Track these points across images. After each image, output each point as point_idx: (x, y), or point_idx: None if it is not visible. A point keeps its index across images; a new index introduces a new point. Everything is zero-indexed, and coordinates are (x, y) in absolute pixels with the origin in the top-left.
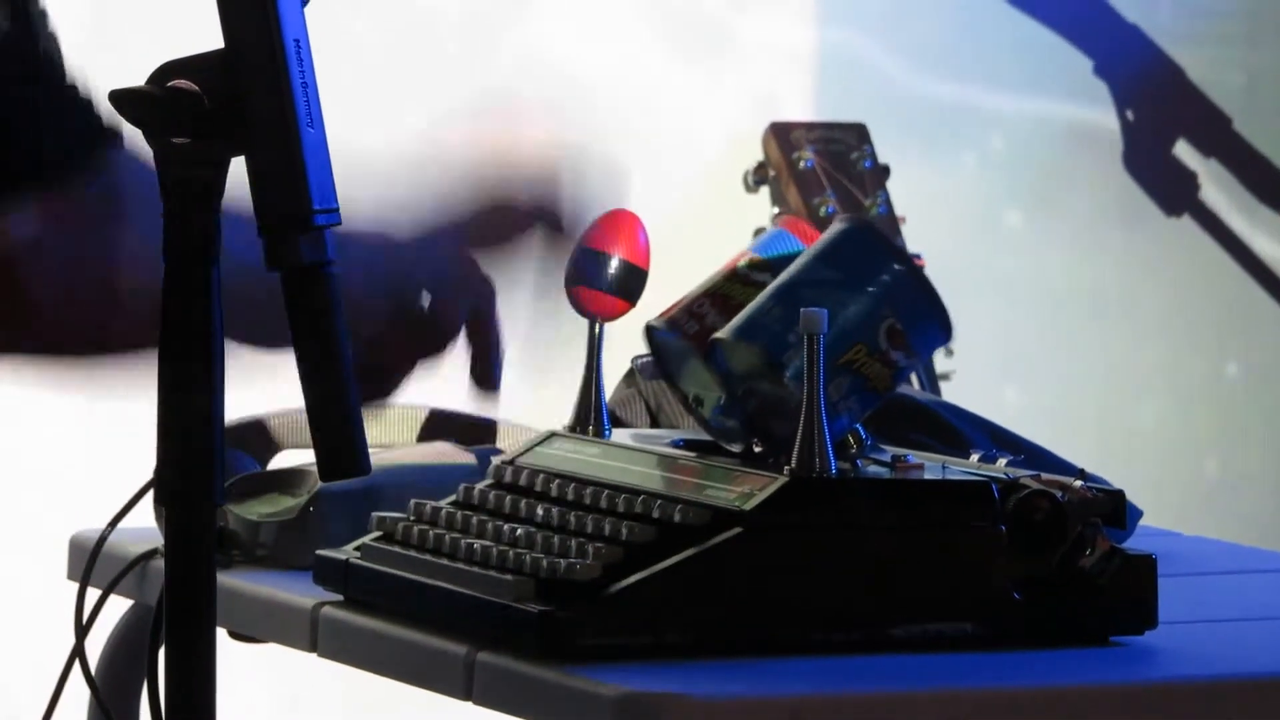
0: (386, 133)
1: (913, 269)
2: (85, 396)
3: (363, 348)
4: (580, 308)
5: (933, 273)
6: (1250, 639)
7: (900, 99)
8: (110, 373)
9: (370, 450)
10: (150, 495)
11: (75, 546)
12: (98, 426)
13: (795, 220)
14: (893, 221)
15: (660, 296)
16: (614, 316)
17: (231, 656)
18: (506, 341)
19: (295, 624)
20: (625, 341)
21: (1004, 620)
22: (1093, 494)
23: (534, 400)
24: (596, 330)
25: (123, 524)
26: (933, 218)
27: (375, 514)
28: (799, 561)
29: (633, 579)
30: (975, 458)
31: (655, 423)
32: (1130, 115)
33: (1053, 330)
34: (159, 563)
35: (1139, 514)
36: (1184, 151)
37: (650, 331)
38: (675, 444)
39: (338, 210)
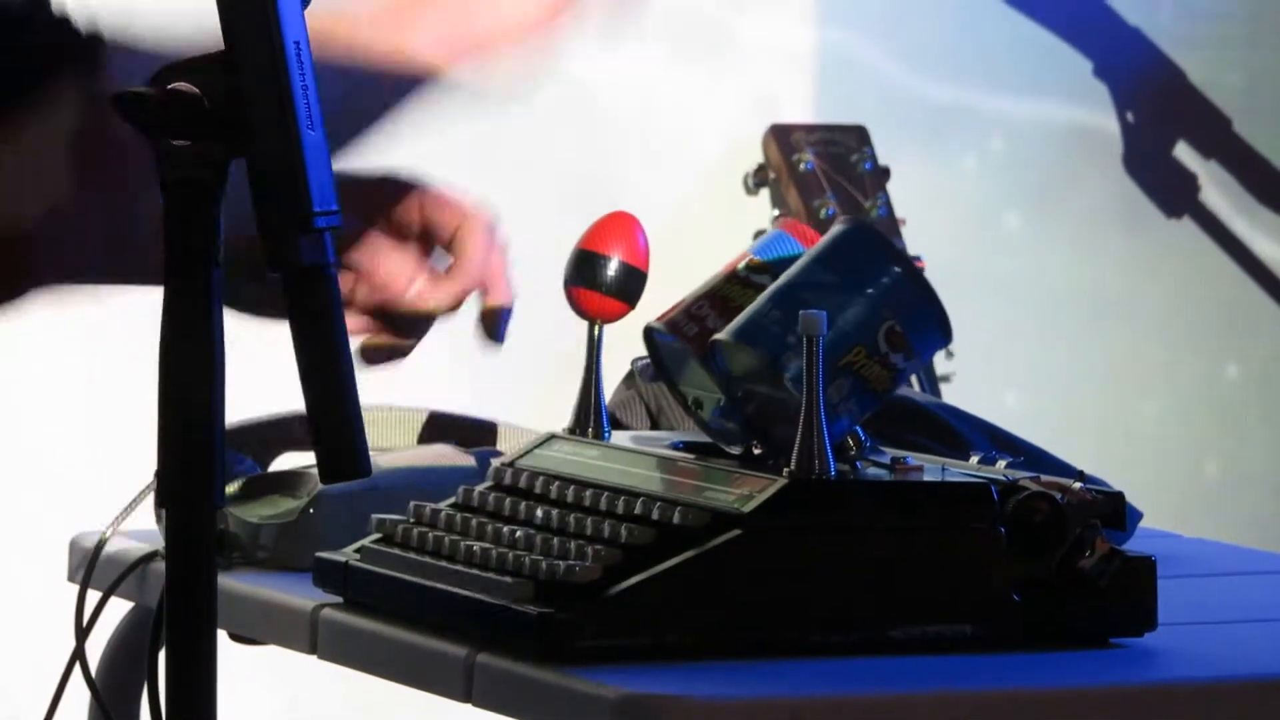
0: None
1: (912, 271)
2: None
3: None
4: (579, 310)
5: (933, 274)
6: (1250, 640)
7: (900, 101)
8: (120, 301)
9: (370, 452)
10: (151, 497)
11: (75, 549)
12: (98, 427)
13: (795, 223)
14: (893, 223)
15: (659, 298)
16: (613, 318)
17: (232, 658)
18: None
19: (295, 626)
20: (625, 343)
21: (1003, 622)
22: (1092, 496)
23: (533, 402)
24: (596, 332)
25: (123, 526)
26: (933, 219)
27: (375, 516)
28: (798, 563)
29: (632, 581)
30: (975, 460)
31: (655, 425)
32: (1130, 117)
33: (1053, 332)
34: (159, 565)
35: (1139, 516)
36: (1184, 153)
37: (650, 333)
38: (675, 446)
39: (338, 212)
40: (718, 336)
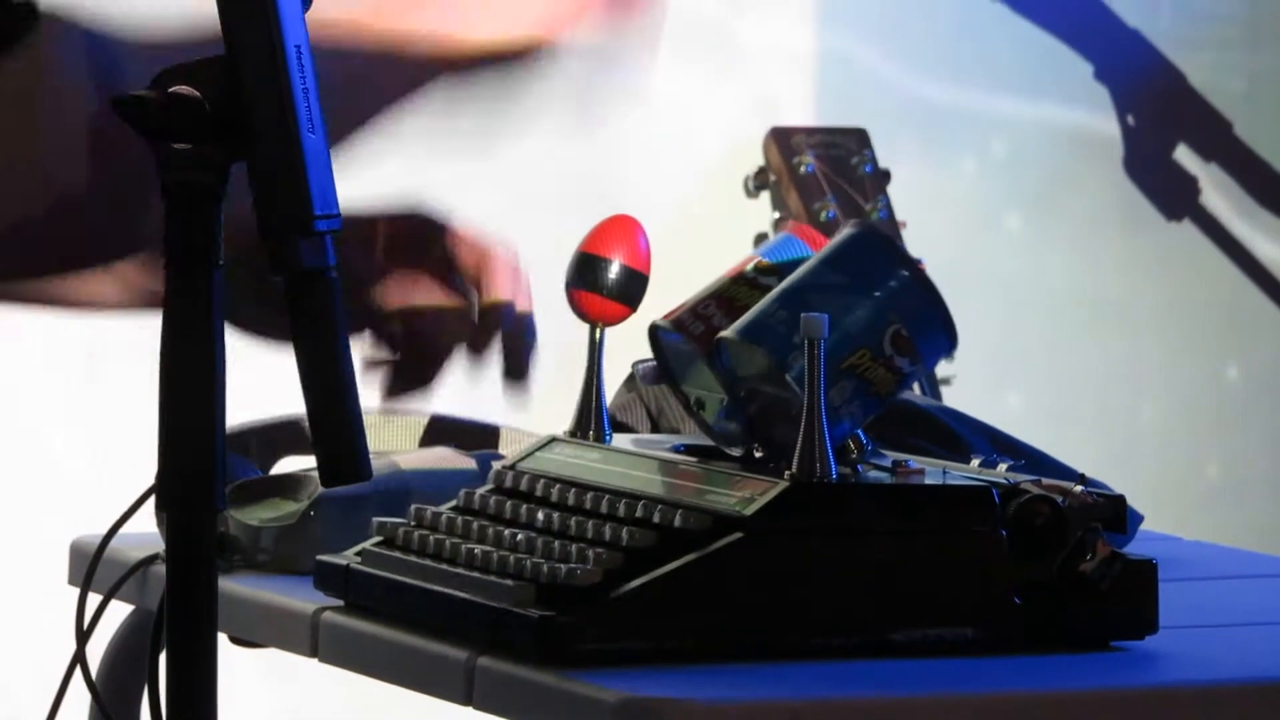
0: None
1: (920, 276)
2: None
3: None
4: (581, 312)
5: (933, 277)
6: (1251, 644)
7: (900, 103)
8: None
9: (371, 455)
10: (151, 500)
11: (76, 552)
12: (98, 431)
13: (803, 226)
14: (893, 226)
15: (661, 301)
16: (615, 321)
17: (232, 661)
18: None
19: (296, 629)
20: (626, 346)
21: (1004, 625)
22: (1093, 499)
23: (535, 405)
24: (597, 335)
25: (123, 529)
26: (933, 222)
27: (376, 519)
28: (800, 566)
29: (633, 584)
30: (976, 463)
31: (656, 427)
32: (1131, 120)
33: (1053, 335)
34: (160, 568)
35: (1140, 519)
36: (1185, 156)
37: (655, 332)
38: (676, 449)
39: (339, 215)
40: (723, 334)
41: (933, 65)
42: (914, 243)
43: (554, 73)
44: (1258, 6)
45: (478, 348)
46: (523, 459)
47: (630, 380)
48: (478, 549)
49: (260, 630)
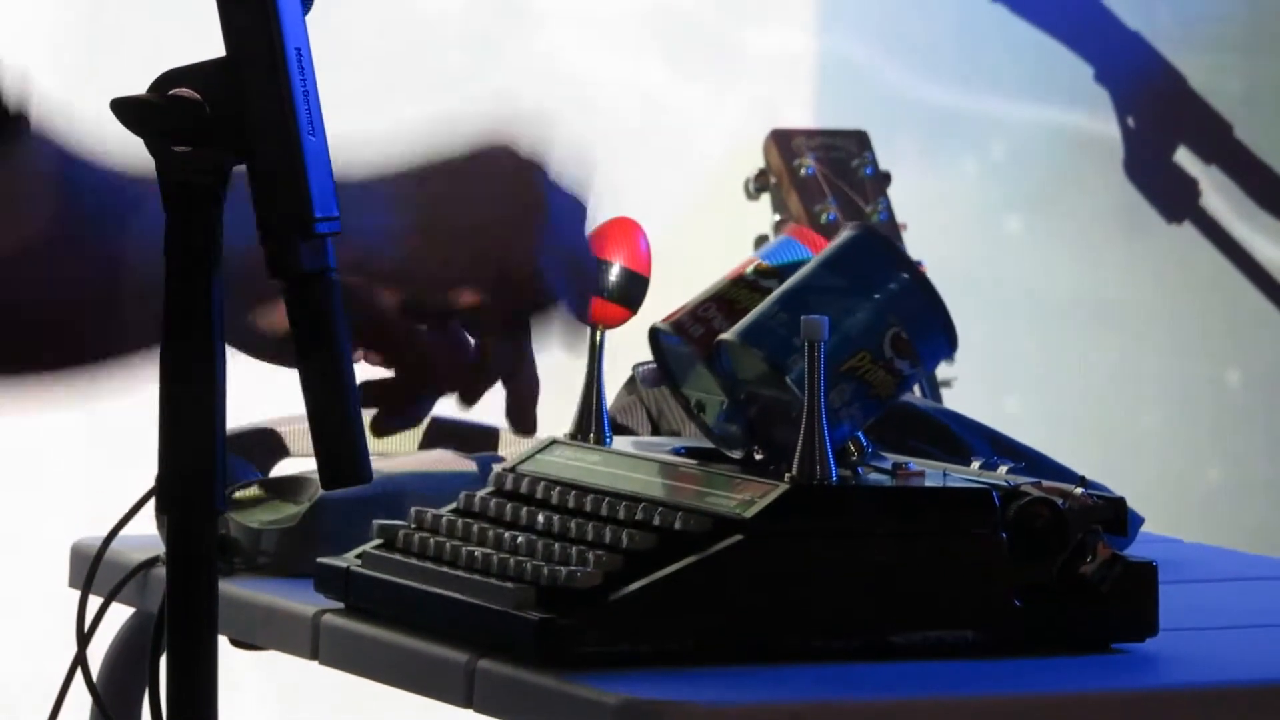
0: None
1: (920, 278)
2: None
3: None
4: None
5: (933, 279)
6: (1251, 646)
7: (901, 106)
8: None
9: (371, 458)
10: (152, 503)
11: (76, 554)
12: (98, 434)
13: (803, 229)
14: (894, 229)
15: (661, 303)
16: (615, 324)
17: (233, 664)
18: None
19: (296, 631)
20: (627, 349)
21: (1005, 627)
22: (1094, 501)
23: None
24: (597, 337)
25: (124, 532)
26: (933, 224)
27: (376, 521)
28: (800, 569)
29: (634, 586)
30: (976, 465)
31: (656, 430)
32: (1131, 122)
33: (1054, 337)
34: (160, 570)
35: (1140, 521)
36: (1185, 158)
37: (655, 334)
38: (676, 451)
39: (339, 218)
40: (723, 336)
41: (933, 67)
42: (914, 245)
43: None
44: (1258, 9)
45: (472, 397)
46: (523, 461)
47: (631, 382)
48: (478, 551)
49: (261, 633)
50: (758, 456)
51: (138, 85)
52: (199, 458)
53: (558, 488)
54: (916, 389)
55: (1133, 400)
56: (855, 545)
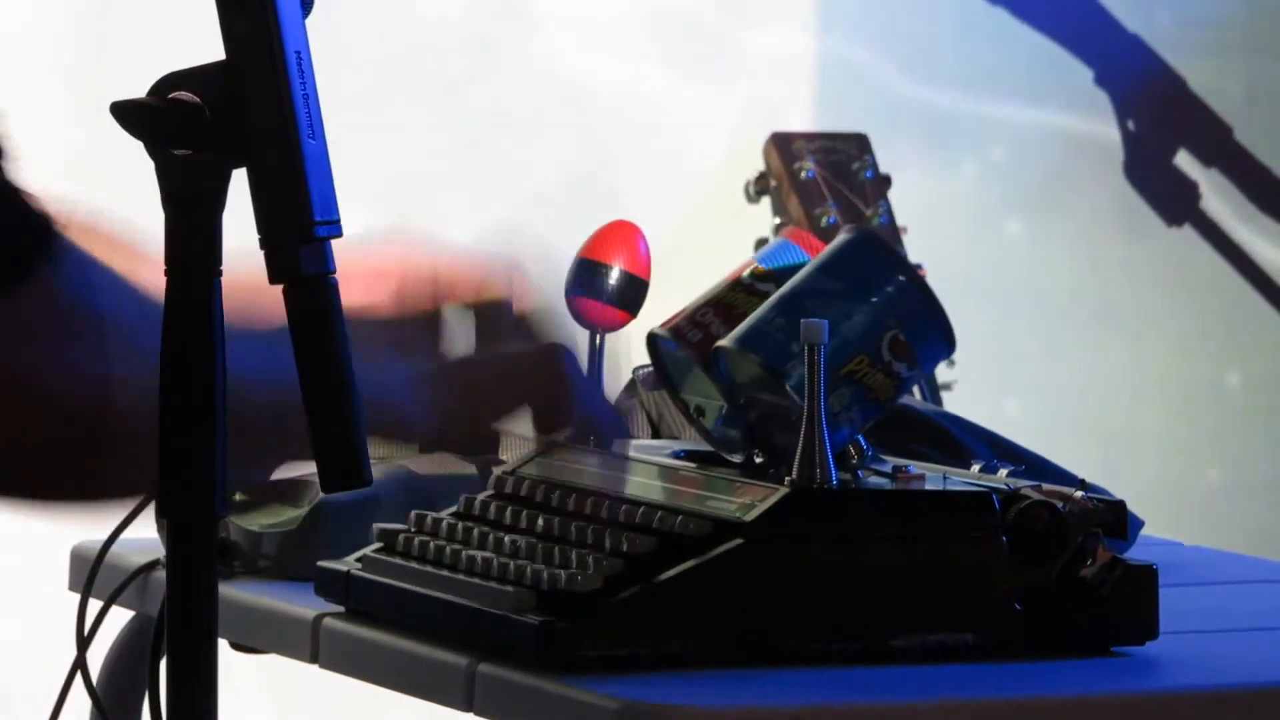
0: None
1: (918, 280)
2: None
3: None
4: (581, 319)
5: (933, 282)
6: (1252, 649)
7: (901, 108)
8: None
9: (371, 461)
10: (152, 506)
11: (77, 558)
12: None
13: (800, 231)
14: (894, 231)
15: (661, 307)
16: (615, 327)
17: (233, 667)
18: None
19: (296, 635)
20: (627, 352)
21: (1005, 631)
22: (1094, 504)
23: None
24: (597, 341)
25: (124, 535)
26: (934, 227)
27: (376, 525)
28: (800, 572)
29: (633, 590)
30: (976, 468)
31: (656, 434)
32: (1131, 125)
33: (1054, 340)
34: (160, 574)
35: (1140, 524)
36: (1185, 161)
37: (653, 340)
38: (676, 455)
39: (339, 222)
40: (721, 343)
41: (933, 70)
42: (915, 247)
43: None
44: (1257, 11)
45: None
46: (523, 464)
47: (630, 386)
48: (478, 555)
49: (261, 636)
50: (757, 460)
51: (138, 89)
52: (199, 462)
53: (557, 491)
54: (916, 392)
55: (1133, 402)
56: (855, 549)
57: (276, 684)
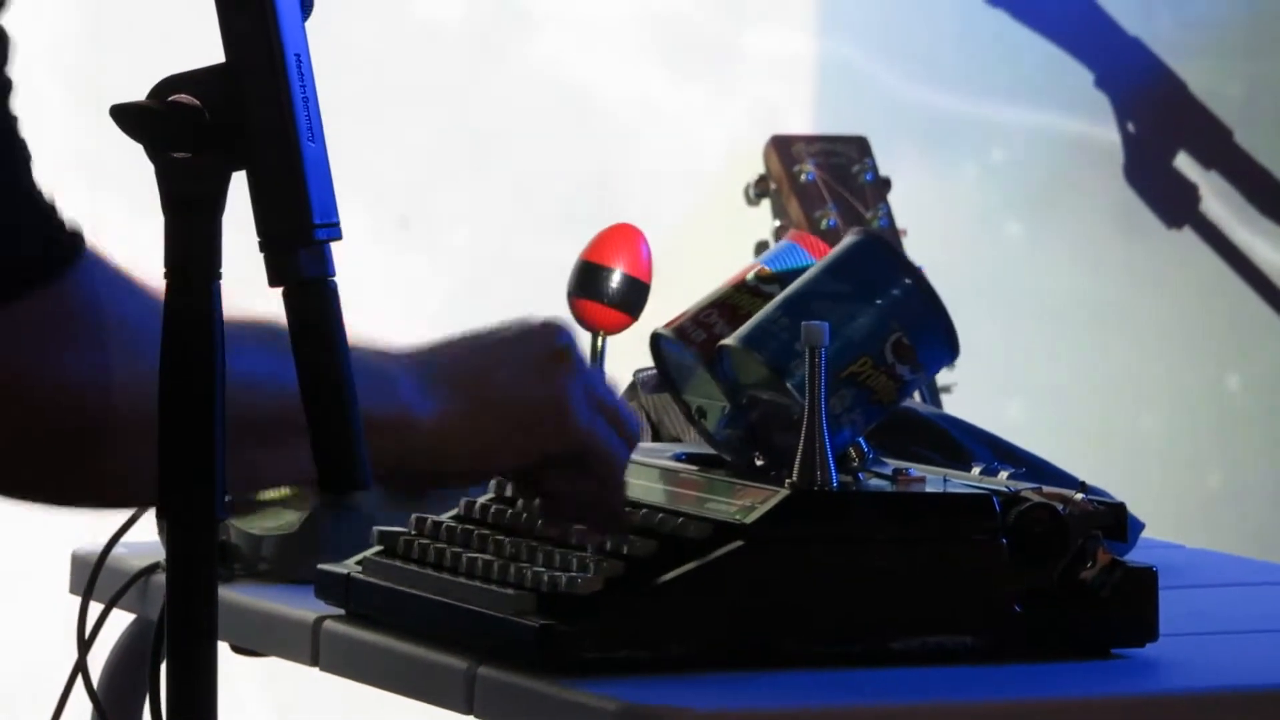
0: (387, 148)
1: (922, 284)
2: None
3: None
4: (582, 321)
5: (934, 285)
6: (1251, 651)
7: (901, 111)
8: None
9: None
10: (152, 510)
11: (77, 561)
12: None
13: (805, 234)
14: (894, 234)
15: (662, 310)
16: (616, 330)
17: (233, 670)
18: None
19: (297, 637)
20: (628, 355)
21: (1005, 633)
22: (1094, 506)
23: None
24: (598, 344)
25: (124, 538)
26: (934, 230)
27: (376, 528)
28: (800, 574)
29: (634, 592)
30: (976, 470)
31: (657, 436)
32: (1131, 127)
33: (1054, 342)
34: (161, 577)
35: (1140, 526)
36: (1185, 164)
37: (656, 340)
38: (677, 457)
39: (338, 224)
40: (725, 342)
41: (933, 73)
42: (915, 250)
43: None
44: (1258, 14)
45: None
46: None
47: (632, 389)
48: (478, 558)
49: (261, 639)
50: (758, 462)
51: (138, 90)
52: (199, 465)
53: None
54: (918, 394)
55: (1133, 405)
56: (856, 551)
57: (276, 686)
